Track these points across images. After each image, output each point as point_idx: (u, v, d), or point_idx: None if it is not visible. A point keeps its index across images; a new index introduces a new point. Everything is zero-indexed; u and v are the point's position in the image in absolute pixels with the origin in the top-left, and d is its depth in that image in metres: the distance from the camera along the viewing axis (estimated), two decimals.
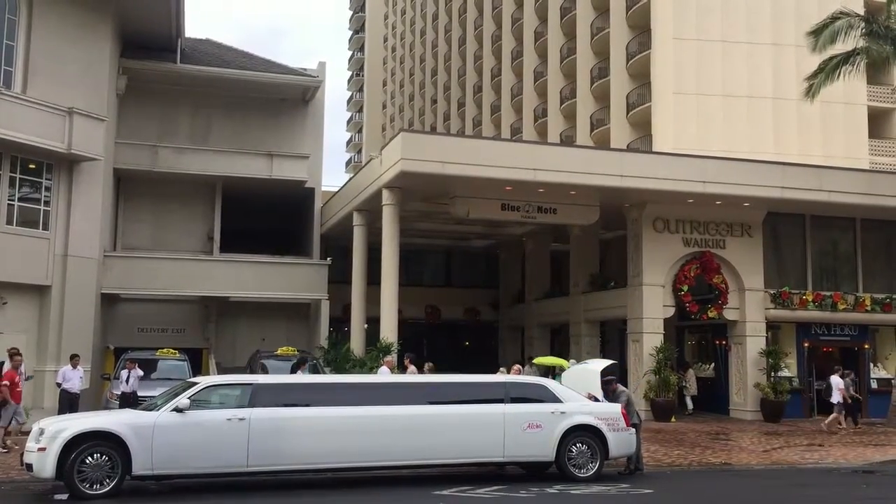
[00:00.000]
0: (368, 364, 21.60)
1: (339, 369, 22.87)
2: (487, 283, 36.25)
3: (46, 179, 22.09)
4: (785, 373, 25.07)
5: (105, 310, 26.13)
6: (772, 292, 25.28)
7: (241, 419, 11.52)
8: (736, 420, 24.33)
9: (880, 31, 24.34)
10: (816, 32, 24.59)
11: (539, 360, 23.06)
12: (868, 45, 24.42)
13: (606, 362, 15.92)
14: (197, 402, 11.54)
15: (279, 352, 23.32)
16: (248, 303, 28.86)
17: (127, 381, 18.79)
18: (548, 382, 14.21)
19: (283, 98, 29.88)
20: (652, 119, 38.80)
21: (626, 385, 17.66)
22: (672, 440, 18.88)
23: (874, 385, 26.38)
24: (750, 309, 25.05)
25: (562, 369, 19.38)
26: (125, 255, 26.74)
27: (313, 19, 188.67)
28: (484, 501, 11.30)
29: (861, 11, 25.74)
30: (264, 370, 21.65)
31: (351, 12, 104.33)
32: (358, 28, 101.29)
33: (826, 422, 21.60)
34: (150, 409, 11.79)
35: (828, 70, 24.86)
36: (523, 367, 25.67)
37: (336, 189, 30.74)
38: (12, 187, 21.28)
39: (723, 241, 25.17)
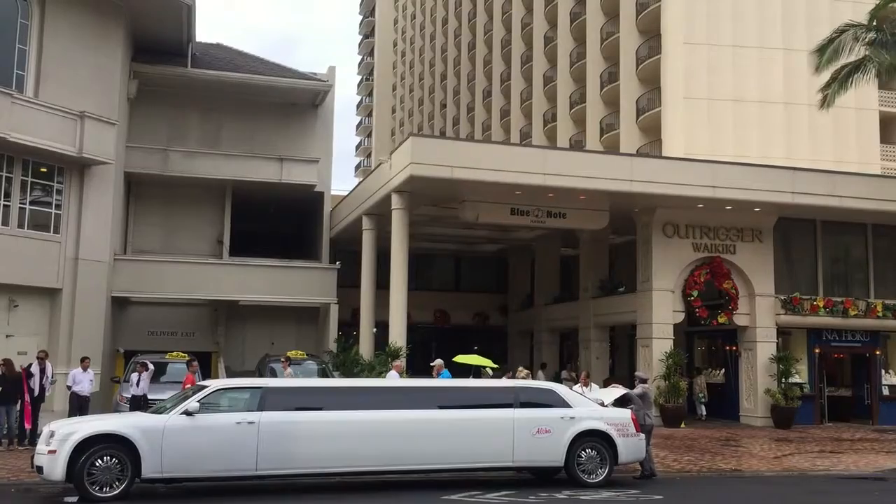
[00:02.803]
0: (377, 368, 21.60)
1: (347, 373, 22.90)
2: (496, 288, 36.21)
3: (58, 183, 22.19)
4: (795, 379, 24.94)
5: (115, 313, 26.22)
6: (782, 298, 25.17)
7: (250, 423, 11.53)
8: (746, 426, 24.23)
9: (886, 40, 24.09)
10: (820, 51, 24.47)
11: (460, 357, 20.87)
12: (872, 56, 24.20)
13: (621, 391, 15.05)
14: (206, 406, 11.56)
15: (288, 355, 23.32)
16: (257, 306, 28.90)
17: (137, 384, 18.82)
18: (557, 387, 14.17)
19: (294, 102, 29.93)
20: (662, 124, 38.71)
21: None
22: (682, 446, 18.81)
23: (886, 392, 26.27)
24: (760, 315, 24.95)
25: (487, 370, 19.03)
26: (135, 258, 26.82)
27: (324, 26, 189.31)
28: None
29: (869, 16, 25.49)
30: (273, 374, 21.69)
31: (361, 17, 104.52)
32: (368, 33, 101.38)
33: None
34: (160, 413, 11.82)
35: (840, 79, 24.70)
36: (532, 372, 25.63)
37: (345, 193, 30.76)
38: (24, 191, 21.38)
39: (733, 247, 25.08)
